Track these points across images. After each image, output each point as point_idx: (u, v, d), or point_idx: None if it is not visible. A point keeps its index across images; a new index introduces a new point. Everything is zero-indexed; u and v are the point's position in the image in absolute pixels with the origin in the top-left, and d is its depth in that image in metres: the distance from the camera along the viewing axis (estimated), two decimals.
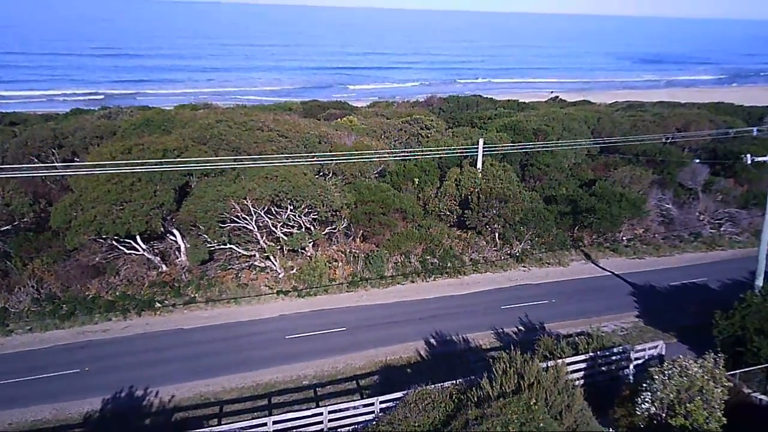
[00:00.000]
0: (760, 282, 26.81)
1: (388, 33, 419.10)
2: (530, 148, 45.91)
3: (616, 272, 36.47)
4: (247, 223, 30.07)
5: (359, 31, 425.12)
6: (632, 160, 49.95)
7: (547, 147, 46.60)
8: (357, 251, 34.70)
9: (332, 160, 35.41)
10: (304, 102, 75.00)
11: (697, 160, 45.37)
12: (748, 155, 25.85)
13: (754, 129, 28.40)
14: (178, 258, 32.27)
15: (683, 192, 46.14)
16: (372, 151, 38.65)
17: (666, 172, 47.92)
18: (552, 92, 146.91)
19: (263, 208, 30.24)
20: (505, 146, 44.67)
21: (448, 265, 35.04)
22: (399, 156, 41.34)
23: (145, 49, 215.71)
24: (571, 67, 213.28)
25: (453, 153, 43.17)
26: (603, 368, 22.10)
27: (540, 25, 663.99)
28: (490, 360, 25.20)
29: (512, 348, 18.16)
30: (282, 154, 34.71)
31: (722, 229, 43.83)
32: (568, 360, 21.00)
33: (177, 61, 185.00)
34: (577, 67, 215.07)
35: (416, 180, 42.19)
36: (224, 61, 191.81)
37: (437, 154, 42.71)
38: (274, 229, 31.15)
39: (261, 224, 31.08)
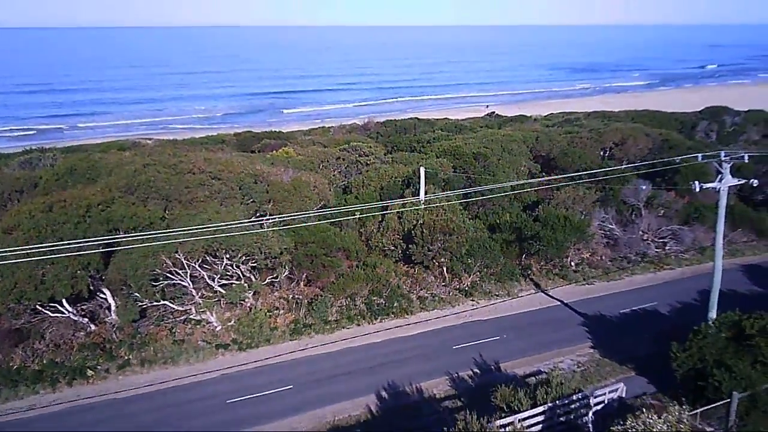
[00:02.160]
0: (713, 314, 26.31)
1: (324, 52, 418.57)
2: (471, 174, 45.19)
3: (566, 301, 35.77)
4: (181, 279, 28.23)
5: (294, 52, 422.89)
6: (574, 178, 49.74)
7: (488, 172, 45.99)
8: (300, 297, 33.23)
9: (281, 218, 33.82)
10: (238, 133, 73.08)
11: (642, 182, 45.02)
12: (696, 182, 25.33)
13: (699, 155, 27.86)
14: (108, 317, 30.19)
15: (626, 209, 46.00)
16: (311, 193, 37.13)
17: (608, 189, 47.75)
18: (488, 106, 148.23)
19: (197, 260, 28.47)
20: (446, 172, 43.86)
21: (395, 305, 33.74)
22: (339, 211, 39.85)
23: (76, 82, 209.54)
24: (505, 80, 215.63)
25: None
26: (562, 418, 21.10)
27: (474, 38, 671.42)
28: (446, 412, 24.12)
29: (467, 397, 16.91)
30: (215, 198, 32.99)
31: (667, 247, 43.76)
32: (526, 414, 20.00)
33: (108, 94, 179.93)
34: (511, 80, 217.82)
35: (357, 214, 40.96)
36: (156, 91, 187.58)
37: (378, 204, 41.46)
38: (210, 282, 29.38)
39: (196, 276, 29.29)
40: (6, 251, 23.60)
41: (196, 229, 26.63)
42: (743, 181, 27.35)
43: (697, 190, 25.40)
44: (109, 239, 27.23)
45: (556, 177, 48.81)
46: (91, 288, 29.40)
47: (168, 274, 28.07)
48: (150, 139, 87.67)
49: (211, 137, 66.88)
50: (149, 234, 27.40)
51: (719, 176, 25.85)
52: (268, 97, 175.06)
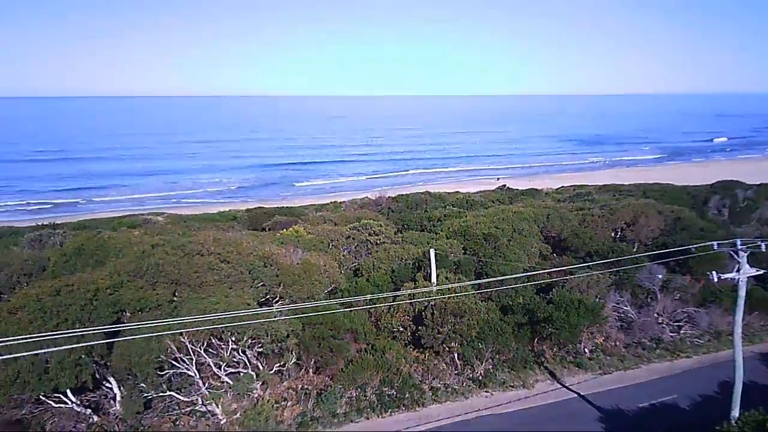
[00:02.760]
0: (736, 412, 25.33)
1: (335, 121, 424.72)
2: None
3: (583, 393, 34.60)
4: (187, 368, 27.59)
5: (304, 121, 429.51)
6: (586, 260, 49.19)
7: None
8: (309, 387, 32.41)
9: (294, 309, 33.38)
10: (249, 209, 73.38)
11: (656, 267, 44.37)
12: (714, 273, 24.75)
13: (715, 244, 27.31)
14: (113, 407, 29.44)
15: (641, 291, 45.24)
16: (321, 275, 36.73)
17: (621, 272, 47.10)
18: (498, 178, 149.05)
19: (202, 344, 27.85)
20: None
21: (407, 396, 32.79)
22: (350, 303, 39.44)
23: (91, 151, 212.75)
24: (515, 153, 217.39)
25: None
26: None
27: (482, 108, 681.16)
28: None
29: None
30: (224, 282, 32.60)
31: (682, 331, 42.75)
32: None
33: (122, 164, 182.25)
34: (522, 152, 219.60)
35: (368, 297, 40.48)
36: (169, 161, 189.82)
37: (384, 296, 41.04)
38: (217, 370, 28.70)
39: (203, 363, 28.65)
40: (7, 340, 23.05)
41: (202, 317, 26.09)
42: (762, 272, 26.77)
43: (716, 280, 24.77)
44: (114, 327, 26.70)
45: (570, 267, 48.21)
46: (97, 376, 28.82)
47: (173, 362, 27.45)
48: (162, 213, 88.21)
49: (223, 214, 67.09)
50: (154, 322, 26.78)
51: (736, 266, 25.22)
52: (281, 168, 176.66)
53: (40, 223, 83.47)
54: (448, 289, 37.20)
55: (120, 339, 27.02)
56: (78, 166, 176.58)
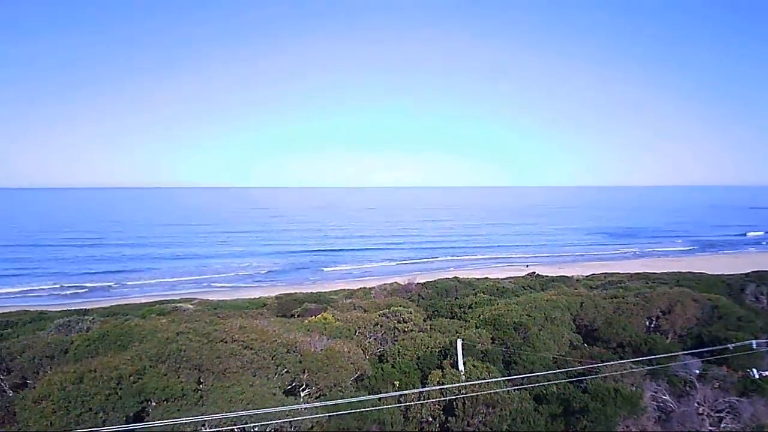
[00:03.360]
0: None
1: (366, 212, 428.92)
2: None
3: None
4: None
5: (336, 212, 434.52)
6: (617, 352, 48.00)
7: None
8: None
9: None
10: (279, 297, 73.54)
11: (692, 360, 43.16)
12: (755, 370, 23.84)
13: (753, 342, 26.64)
14: None
15: (678, 381, 43.77)
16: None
17: (655, 362, 45.79)
18: (527, 266, 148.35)
19: None
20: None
21: None
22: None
23: (126, 238, 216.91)
24: (544, 243, 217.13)
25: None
26: None
27: (510, 199, 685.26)
28: None
29: None
30: (248, 369, 32.15)
31: (723, 424, 40.90)
32: None
33: (155, 249, 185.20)
34: (550, 242, 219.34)
35: (397, 383, 39.68)
36: (201, 248, 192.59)
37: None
38: None
39: None
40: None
41: (227, 414, 25.60)
42: None
43: (756, 377, 23.81)
44: (137, 426, 26.28)
45: (604, 357, 47.05)
46: None
47: None
48: (193, 300, 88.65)
49: (253, 301, 67.23)
50: (178, 420, 26.33)
51: None
52: (310, 254, 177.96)
53: (71, 308, 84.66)
54: (478, 378, 36.38)
55: (145, 428, 26.59)
56: (112, 250, 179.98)
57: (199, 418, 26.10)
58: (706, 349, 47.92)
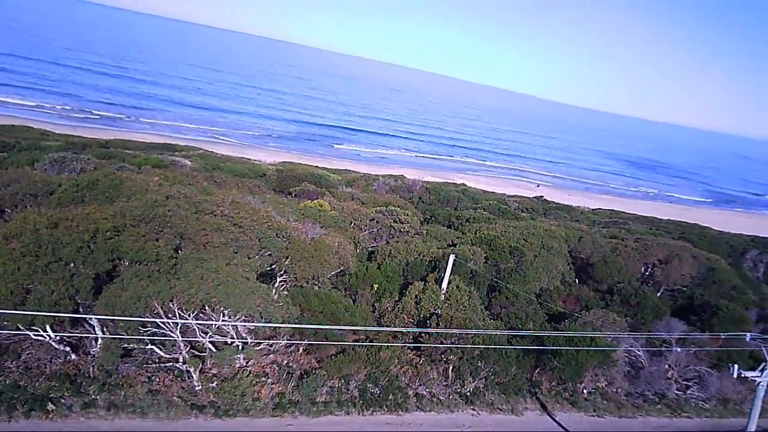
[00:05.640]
0: None
1: (397, 94, 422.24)
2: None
3: (571, 430, 33.28)
4: (171, 330, 26.62)
5: (368, 87, 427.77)
6: (605, 298, 47.43)
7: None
8: (294, 365, 31.41)
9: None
10: (281, 166, 72.51)
11: (676, 321, 42.54)
12: (735, 366, 23.01)
13: (748, 335, 25.67)
14: (92, 348, 28.65)
15: (657, 339, 43.41)
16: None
17: (640, 317, 45.39)
18: (539, 185, 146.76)
19: (192, 312, 26.80)
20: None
21: (390, 397, 31.63)
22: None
23: (150, 74, 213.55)
24: (562, 162, 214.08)
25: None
26: None
27: (546, 112, 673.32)
28: None
29: None
30: (230, 246, 31.53)
31: (689, 391, 40.80)
32: None
33: (175, 93, 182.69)
34: (569, 161, 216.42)
35: (375, 286, 39.34)
36: (222, 100, 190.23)
37: None
38: (201, 336, 27.69)
39: (188, 327, 27.64)
40: None
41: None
42: None
43: (735, 376, 23.03)
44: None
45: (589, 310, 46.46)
46: (80, 312, 28.00)
47: (158, 322, 26.47)
48: (198, 150, 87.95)
49: (253, 168, 66.13)
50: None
51: (762, 365, 23.39)
52: (326, 128, 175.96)
53: (74, 134, 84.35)
54: (457, 301, 35.94)
55: (109, 288, 26.23)
56: (131, 84, 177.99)
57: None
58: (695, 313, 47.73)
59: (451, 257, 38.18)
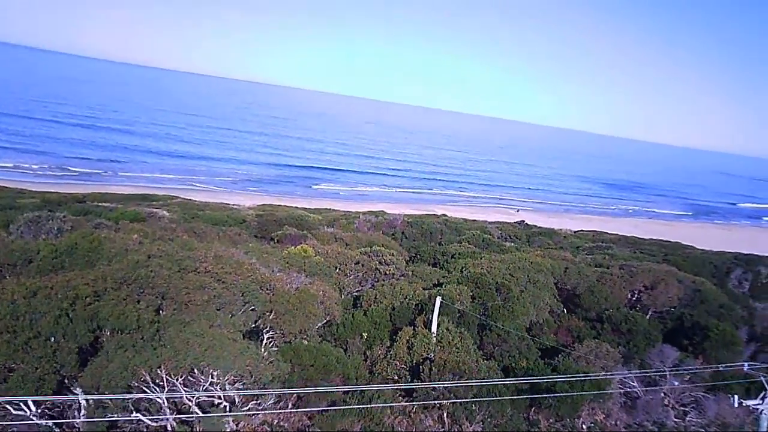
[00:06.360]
0: None
1: (374, 126, 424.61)
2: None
3: None
4: (157, 396, 25.81)
5: (343, 123, 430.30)
6: (596, 327, 47.29)
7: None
8: (285, 424, 30.64)
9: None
10: (261, 211, 72.09)
11: (669, 348, 42.38)
12: (736, 397, 22.75)
13: (745, 364, 25.51)
14: (76, 419, 27.68)
15: (649, 367, 43.12)
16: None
17: (632, 344, 45.20)
18: (518, 210, 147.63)
19: (180, 377, 26.07)
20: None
21: None
22: None
23: (123, 122, 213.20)
24: (542, 188, 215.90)
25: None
26: None
27: (522, 137, 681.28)
28: None
29: None
30: (213, 303, 30.89)
31: (687, 418, 40.39)
32: None
33: (150, 141, 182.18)
34: (548, 187, 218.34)
35: (365, 335, 38.78)
36: (197, 146, 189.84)
37: None
38: (189, 402, 26.90)
39: (175, 390, 26.84)
40: None
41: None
42: None
43: (736, 406, 22.76)
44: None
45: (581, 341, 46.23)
46: (66, 383, 27.14)
47: (145, 389, 25.70)
48: (176, 198, 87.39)
49: (232, 215, 65.59)
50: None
51: (762, 394, 23.14)
52: (303, 169, 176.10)
53: (51, 191, 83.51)
54: (449, 343, 35.47)
55: (94, 362, 25.46)
56: (106, 135, 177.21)
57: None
58: (686, 335, 47.62)
59: (438, 299, 37.82)
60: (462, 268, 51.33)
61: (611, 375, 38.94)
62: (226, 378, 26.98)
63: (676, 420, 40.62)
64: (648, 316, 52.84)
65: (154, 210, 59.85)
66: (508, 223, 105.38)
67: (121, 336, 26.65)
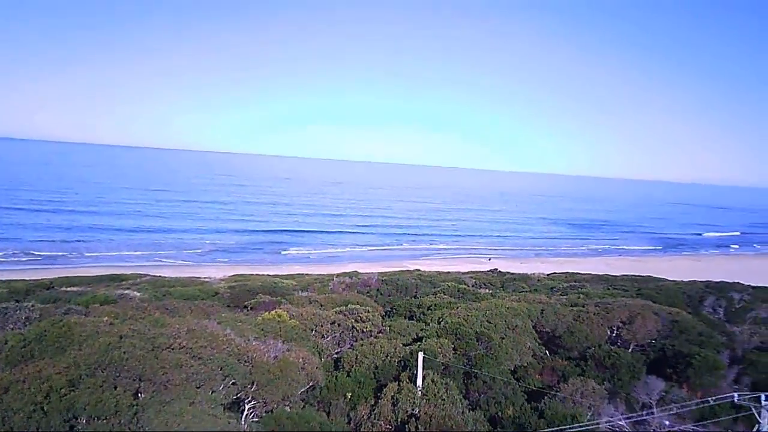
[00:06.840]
0: None
1: (339, 186, 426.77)
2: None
3: None
4: None
5: (307, 185, 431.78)
6: (579, 365, 47.13)
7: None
8: None
9: None
10: (233, 282, 71.47)
11: (654, 379, 42.32)
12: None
13: (735, 395, 25.41)
14: None
15: (635, 401, 42.93)
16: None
17: (617, 379, 45.05)
18: (490, 258, 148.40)
19: None
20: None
21: None
22: None
23: (85, 204, 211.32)
24: (510, 234, 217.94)
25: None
26: None
27: (485, 185, 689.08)
28: None
29: None
30: (192, 381, 30.14)
31: None
32: None
33: (114, 220, 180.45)
34: (515, 233, 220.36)
35: (349, 395, 38.10)
36: (162, 220, 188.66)
37: None
38: None
39: None
40: None
41: None
42: None
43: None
44: None
45: (567, 380, 45.98)
46: None
47: None
48: (145, 276, 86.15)
49: (204, 288, 64.83)
50: None
51: (756, 427, 23.04)
52: (272, 234, 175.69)
53: (16, 279, 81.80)
54: (435, 395, 34.98)
55: None
56: (69, 217, 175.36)
57: None
58: (670, 365, 47.59)
59: (420, 354, 37.48)
60: (439, 318, 51.08)
61: (599, 422, 38.55)
62: None
63: None
64: (630, 350, 52.86)
65: (125, 291, 58.98)
66: (482, 271, 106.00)
67: (98, 423, 25.77)
